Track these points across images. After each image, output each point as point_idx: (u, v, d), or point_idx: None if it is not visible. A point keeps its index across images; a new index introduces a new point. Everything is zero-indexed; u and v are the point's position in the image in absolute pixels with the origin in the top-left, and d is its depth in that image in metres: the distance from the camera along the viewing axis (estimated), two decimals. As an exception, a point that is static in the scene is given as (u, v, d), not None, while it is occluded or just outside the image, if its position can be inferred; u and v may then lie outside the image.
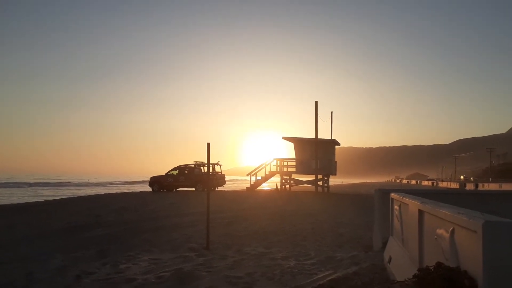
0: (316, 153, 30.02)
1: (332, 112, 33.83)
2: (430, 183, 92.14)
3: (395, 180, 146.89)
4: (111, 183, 65.41)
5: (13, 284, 5.17)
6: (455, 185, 66.06)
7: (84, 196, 27.68)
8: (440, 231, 2.88)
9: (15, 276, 5.54)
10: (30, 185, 49.02)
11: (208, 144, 8.24)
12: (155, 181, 29.92)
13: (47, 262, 6.45)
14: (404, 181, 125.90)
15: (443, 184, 77.92)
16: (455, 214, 2.57)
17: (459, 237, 2.53)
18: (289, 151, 35.22)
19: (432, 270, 2.57)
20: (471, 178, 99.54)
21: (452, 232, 2.62)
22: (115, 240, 8.66)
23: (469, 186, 58.86)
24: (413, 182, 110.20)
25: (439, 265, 2.60)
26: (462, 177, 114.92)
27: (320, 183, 31.09)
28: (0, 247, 8.16)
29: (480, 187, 54.71)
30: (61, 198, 25.42)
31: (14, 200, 24.11)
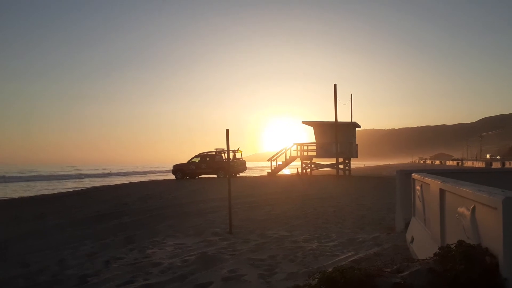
0: (337, 137, 29.79)
1: (351, 94, 33.43)
2: (455, 163, 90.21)
3: (418, 161, 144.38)
4: (134, 173, 66.71)
5: (46, 270, 5.42)
6: (481, 164, 64.48)
7: (110, 185, 28.40)
8: (461, 210, 2.87)
9: (48, 262, 5.80)
10: (55, 177, 50.58)
11: (227, 131, 8.32)
12: (178, 169, 30.42)
13: (77, 249, 6.72)
14: (428, 161, 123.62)
15: (468, 164, 76.17)
16: (476, 191, 2.56)
17: (480, 215, 2.53)
18: (309, 136, 35.10)
19: (453, 248, 2.57)
20: (498, 157, 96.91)
21: (473, 210, 2.61)
22: (141, 227, 8.91)
23: (496, 165, 57.35)
24: (437, 162, 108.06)
25: (460, 243, 2.61)
26: (488, 155, 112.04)
27: (341, 166, 30.93)
28: (32, 236, 8.52)
29: (507, 165, 53.24)
30: (88, 188, 26.18)
31: (41, 192, 24.95)
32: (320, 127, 31.38)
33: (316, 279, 2.40)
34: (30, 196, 20.82)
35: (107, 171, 77.60)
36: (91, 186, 29.59)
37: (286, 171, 35.01)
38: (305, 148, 31.85)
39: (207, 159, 30.27)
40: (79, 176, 56.11)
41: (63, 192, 23.77)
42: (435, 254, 2.62)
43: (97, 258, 5.98)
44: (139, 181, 32.08)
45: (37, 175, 55.68)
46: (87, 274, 5.12)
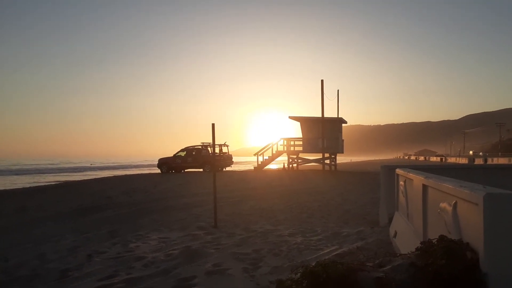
0: (323, 132, 29.93)
1: (338, 90, 33.56)
2: (438, 159, 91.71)
3: (403, 157, 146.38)
4: (119, 167, 66.08)
5: (26, 264, 5.31)
6: (464, 161, 65.67)
7: (95, 178, 28.06)
8: (443, 205, 2.89)
9: (28, 257, 5.69)
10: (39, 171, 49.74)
11: (213, 125, 8.26)
12: (163, 163, 30.19)
13: (59, 243, 6.61)
14: (413, 157, 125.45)
15: (451, 160, 77.50)
16: (458, 187, 2.57)
17: (461, 210, 2.54)
18: (296, 131, 35.21)
19: (435, 243, 2.59)
20: (480, 153, 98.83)
21: (455, 205, 2.63)
22: (125, 221, 8.82)
23: (478, 161, 58.48)
24: (422, 158, 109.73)
25: (442, 238, 2.62)
26: (471, 152, 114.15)
27: (327, 161, 31.12)
28: (13, 229, 8.36)
29: (489, 162, 54.33)
30: (72, 181, 25.81)
31: (22, 185, 24.51)
32: (306, 122, 31.47)
33: (299, 274, 2.39)
34: (11, 189, 20.43)
35: (91, 165, 76.64)
36: (74, 179, 29.19)
37: (272, 166, 35.08)
38: (292, 143, 31.93)
39: (193, 153, 30.11)
40: (62, 169, 55.36)
41: (45, 185, 23.39)
42: (417, 249, 2.63)
43: (79, 252, 5.89)
44: (123, 174, 31.76)
45: (19, 169, 54.74)
46: (68, 268, 5.03)
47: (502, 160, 57.61)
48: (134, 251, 5.85)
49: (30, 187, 21.48)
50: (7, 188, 21.89)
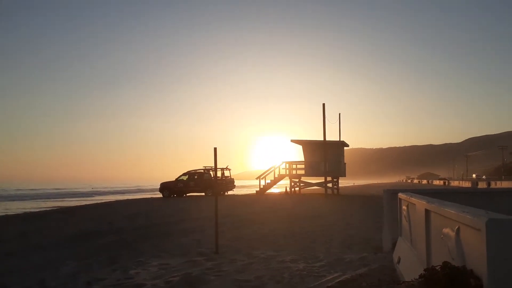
0: (325, 155, 29.90)
1: (340, 113, 33.69)
2: (441, 182, 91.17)
3: (406, 180, 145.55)
4: (120, 191, 65.85)
5: (25, 291, 5.24)
6: (467, 184, 65.22)
7: (96, 203, 27.93)
8: (446, 230, 2.86)
9: (28, 283, 5.62)
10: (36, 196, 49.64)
11: (215, 149, 8.28)
12: (165, 187, 30.10)
13: (58, 269, 6.53)
14: (415, 181, 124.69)
15: (455, 183, 77.02)
16: (460, 212, 2.55)
17: (464, 236, 2.52)
18: (298, 154, 35.21)
19: (438, 269, 2.55)
20: (483, 177, 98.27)
21: (458, 231, 2.60)
22: (126, 246, 8.73)
23: (482, 185, 58.08)
24: (424, 181, 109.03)
25: (445, 264, 2.59)
26: (474, 175, 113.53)
27: (329, 185, 30.96)
28: (13, 255, 8.27)
29: (493, 185, 53.93)
30: (73, 206, 25.69)
31: (24, 210, 24.40)
32: (308, 146, 31.51)
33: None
34: (11, 214, 20.33)
35: (92, 189, 76.42)
36: (76, 204, 29.06)
37: (274, 190, 34.91)
38: (294, 166, 31.88)
39: (195, 177, 30.05)
40: (63, 194, 55.20)
41: (45, 211, 23.27)
42: (420, 276, 2.59)
43: (78, 278, 5.82)
44: (125, 199, 31.63)
45: (20, 194, 54.64)
46: (67, 295, 4.96)
47: (506, 184, 57.23)
48: (134, 278, 5.77)
49: (31, 212, 21.38)
50: (8, 213, 21.78)
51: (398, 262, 4.96)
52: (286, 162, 31.94)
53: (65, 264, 6.88)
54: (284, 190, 32.93)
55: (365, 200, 24.10)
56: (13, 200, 40.33)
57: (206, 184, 29.43)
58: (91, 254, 7.88)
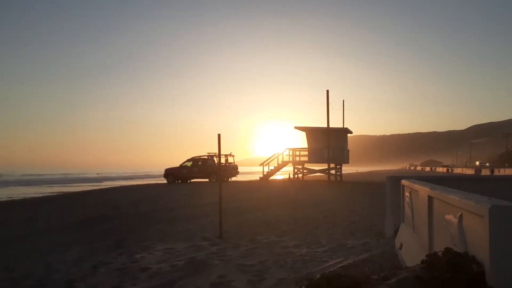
0: (329, 142, 29.89)
1: (344, 100, 33.57)
2: (445, 169, 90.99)
3: (409, 167, 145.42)
4: (125, 177, 66.34)
5: (32, 274, 5.34)
6: (470, 171, 65.11)
7: (100, 189, 28.17)
8: (448, 217, 2.88)
9: (34, 267, 5.72)
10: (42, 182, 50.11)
11: (219, 135, 8.30)
12: (169, 173, 30.26)
13: (65, 253, 6.63)
14: (419, 168, 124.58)
15: (458, 170, 76.88)
16: (463, 199, 2.56)
17: (467, 223, 2.53)
18: (301, 141, 35.13)
19: (440, 255, 2.58)
20: (487, 164, 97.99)
21: (460, 217, 2.62)
22: (131, 231, 8.84)
23: (485, 172, 57.94)
24: (427, 169, 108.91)
25: (447, 250, 2.61)
26: (477, 162, 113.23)
27: (332, 172, 31.01)
28: (19, 239, 8.41)
29: (496, 173, 53.81)
30: (79, 191, 25.93)
31: (30, 195, 24.65)
32: (312, 133, 31.47)
33: (303, 286, 2.39)
34: (18, 200, 20.56)
35: (97, 174, 76.96)
36: (81, 190, 29.32)
37: (278, 176, 35.01)
38: (297, 153, 31.90)
39: (199, 163, 30.17)
40: (69, 180, 55.66)
41: (52, 196, 23.52)
42: (422, 262, 2.62)
43: (84, 262, 5.90)
44: (130, 185, 31.86)
45: (26, 179, 55.15)
46: (73, 279, 5.04)
47: (509, 171, 57.06)
48: (139, 261, 5.85)
49: (37, 197, 21.61)
50: (15, 198, 22.03)
51: (400, 248, 5.00)
52: (290, 149, 31.96)
53: (71, 248, 6.98)
54: (287, 176, 33.03)
55: (368, 187, 24.15)
56: (20, 185, 40.74)
57: (210, 170, 29.56)
58: (97, 238, 7.99)
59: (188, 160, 30.45)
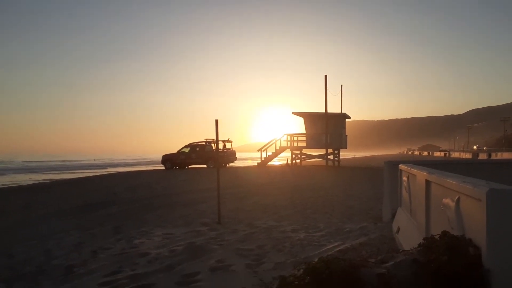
0: (327, 127, 29.88)
1: (342, 85, 33.45)
2: (442, 154, 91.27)
3: (407, 152, 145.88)
4: (123, 163, 66.35)
5: (32, 260, 5.37)
6: (468, 155, 65.33)
7: (98, 175, 28.19)
8: (446, 201, 2.89)
9: (33, 253, 5.75)
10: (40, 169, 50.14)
11: (217, 121, 8.26)
12: (167, 159, 30.27)
13: (64, 239, 6.66)
14: (416, 152, 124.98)
15: (455, 155, 77.12)
16: (460, 183, 2.57)
17: (464, 206, 2.54)
18: (299, 126, 35.15)
19: (438, 238, 2.59)
20: (484, 148, 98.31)
21: (458, 201, 2.63)
22: (130, 217, 8.87)
23: (482, 156, 58.17)
24: (425, 153, 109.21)
25: (444, 233, 2.62)
26: (475, 147, 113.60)
27: (330, 157, 31.08)
28: (18, 226, 8.43)
29: (493, 157, 54.03)
30: (76, 178, 25.95)
31: (28, 182, 24.65)
32: (310, 118, 31.43)
33: (302, 270, 2.40)
34: (16, 186, 20.57)
35: (94, 160, 76.95)
36: (79, 176, 29.34)
37: (276, 162, 35.08)
38: (295, 138, 31.91)
39: (197, 149, 30.17)
40: (66, 166, 55.68)
41: (49, 182, 23.53)
42: (419, 245, 2.63)
43: (83, 248, 5.94)
44: (128, 171, 31.88)
45: (24, 166, 55.11)
46: (73, 264, 5.07)
47: (506, 155, 57.25)
48: (138, 247, 5.89)
49: (34, 184, 21.62)
50: (13, 185, 22.03)
51: (398, 231, 5.04)
52: (288, 134, 31.96)
53: (69, 234, 7.01)
54: (285, 162, 33.10)
55: (365, 171, 24.25)
56: (19, 172, 40.72)
57: (208, 156, 29.57)
58: (95, 224, 8.01)
59: (186, 146, 30.43)
